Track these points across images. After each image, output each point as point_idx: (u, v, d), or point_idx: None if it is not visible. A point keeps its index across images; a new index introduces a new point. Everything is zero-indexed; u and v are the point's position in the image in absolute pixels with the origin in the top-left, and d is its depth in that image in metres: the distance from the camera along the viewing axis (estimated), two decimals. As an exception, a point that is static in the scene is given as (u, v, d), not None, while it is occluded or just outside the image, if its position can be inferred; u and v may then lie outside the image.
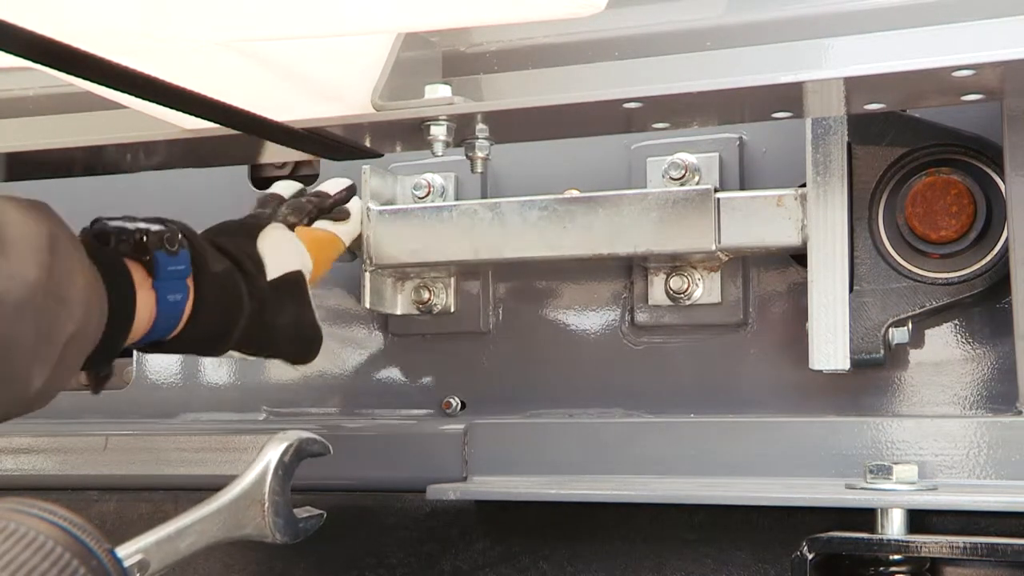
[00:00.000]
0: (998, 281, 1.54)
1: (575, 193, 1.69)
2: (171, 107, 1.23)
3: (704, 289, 1.70)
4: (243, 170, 2.00)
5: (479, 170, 1.40)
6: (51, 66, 1.09)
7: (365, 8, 1.13)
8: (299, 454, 1.34)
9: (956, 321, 1.62)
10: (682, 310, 1.72)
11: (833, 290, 1.53)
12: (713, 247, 1.61)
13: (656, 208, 1.63)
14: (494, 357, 1.85)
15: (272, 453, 1.31)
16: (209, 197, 2.02)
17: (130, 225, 1.35)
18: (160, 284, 1.34)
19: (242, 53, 1.20)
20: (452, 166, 1.80)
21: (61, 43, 1.03)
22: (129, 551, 1.17)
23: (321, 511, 1.38)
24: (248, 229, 1.53)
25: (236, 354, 1.50)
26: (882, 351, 1.56)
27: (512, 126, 1.38)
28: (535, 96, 1.31)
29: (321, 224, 1.69)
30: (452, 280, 1.83)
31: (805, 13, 1.25)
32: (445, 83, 1.31)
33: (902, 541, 1.45)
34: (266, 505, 1.29)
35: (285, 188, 1.74)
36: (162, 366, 2.03)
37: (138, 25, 1.11)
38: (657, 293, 1.72)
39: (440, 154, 1.34)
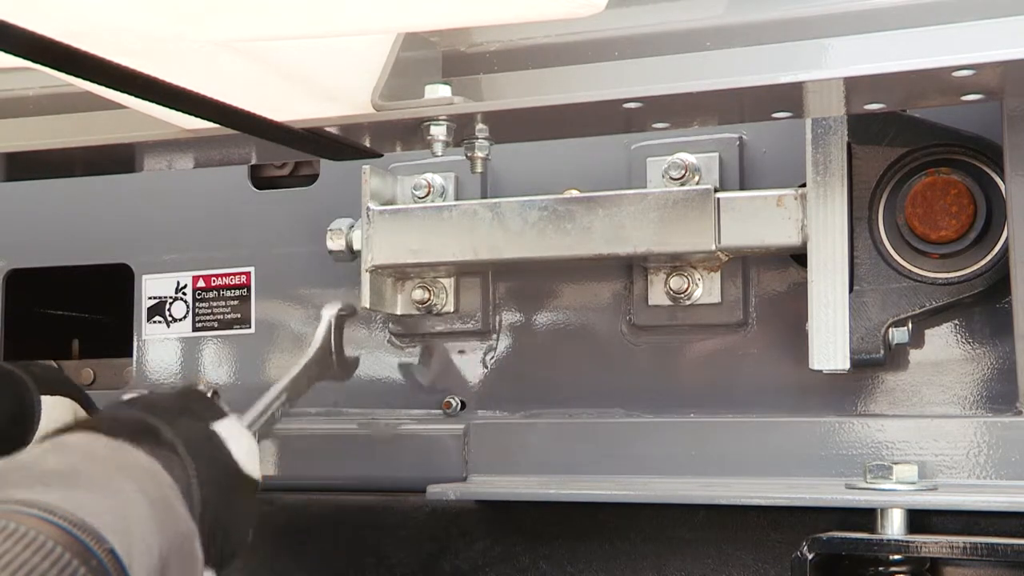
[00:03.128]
0: (998, 281, 1.54)
1: (575, 193, 1.69)
2: (171, 107, 1.23)
3: (704, 289, 1.70)
4: (243, 170, 2.00)
5: (479, 170, 1.40)
6: (51, 66, 1.09)
7: (365, 8, 1.13)
8: (349, 311, 1.67)
9: (956, 321, 1.62)
10: (682, 310, 1.72)
11: (833, 290, 1.53)
12: (713, 247, 1.61)
13: (656, 208, 1.63)
14: (494, 357, 1.85)
15: (328, 314, 1.65)
16: (209, 197, 2.03)
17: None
18: None
19: (242, 53, 1.20)
20: (452, 166, 1.80)
21: (61, 43, 1.03)
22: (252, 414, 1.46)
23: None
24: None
25: None
26: (882, 351, 1.56)
27: (512, 126, 1.38)
28: (535, 96, 1.30)
29: None
30: (452, 280, 1.83)
31: (805, 13, 1.25)
32: (445, 83, 1.31)
33: (902, 541, 1.45)
34: (334, 360, 1.63)
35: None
36: (162, 366, 2.04)
37: (138, 25, 1.11)
38: (657, 293, 1.72)
39: (440, 154, 1.34)
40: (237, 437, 1.29)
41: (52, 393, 1.47)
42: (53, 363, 1.49)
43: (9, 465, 1.04)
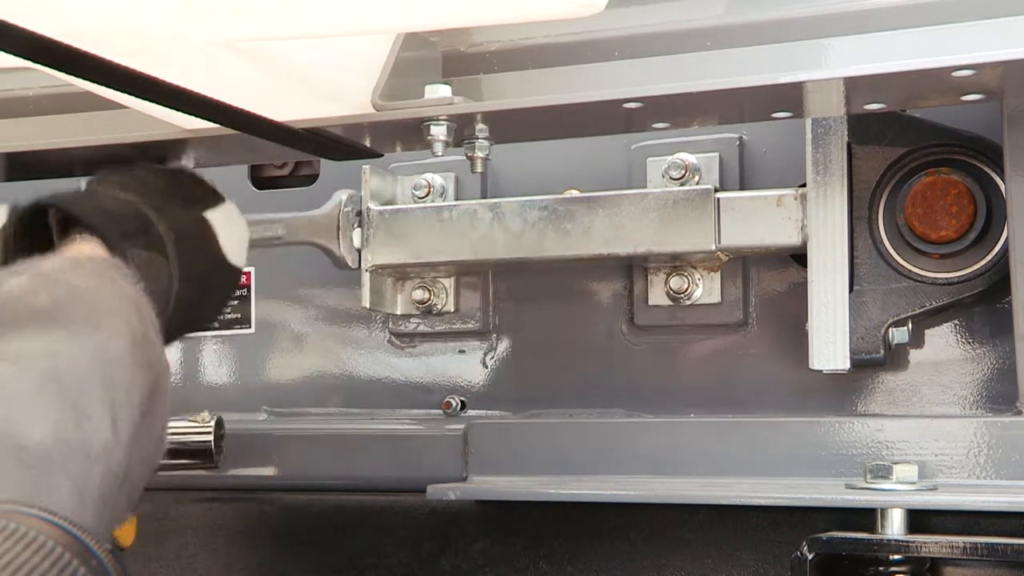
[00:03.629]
0: (998, 281, 1.54)
1: (575, 193, 1.69)
2: (171, 107, 1.23)
3: (704, 289, 1.70)
4: (243, 170, 2.00)
5: (479, 170, 1.40)
6: (51, 66, 1.09)
7: (365, 8, 1.13)
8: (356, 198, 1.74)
9: (956, 321, 1.62)
10: (682, 310, 1.72)
11: (833, 290, 1.53)
12: (713, 247, 1.61)
13: (656, 208, 1.63)
14: (494, 357, 1.85)
15: (341, 195, 1.74)
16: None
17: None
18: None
19: (242, 53, 1.20)
20: (452, 166, 1.80)
21: (61, 43, 1.03)
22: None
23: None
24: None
25: None
26: (882, 351, 1.56)
27: (512, 126, 1.38)
28: (535, 96, 1.30)
29: None
30: (452, 280, 1.83)
31: (805, 13, 1.25)
32: (445, 83, 1.31)
33: (902, 541, 1.45)
34: (339, 226, 1.72)
35: None
36: (162, 366, 2.03)
37: (138, 25, 1.11)
38: (657, 293, 1.72)
39: (440, 154, 1.34)
40: (229, 225, 1.30)
41: None
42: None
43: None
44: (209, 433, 1.66)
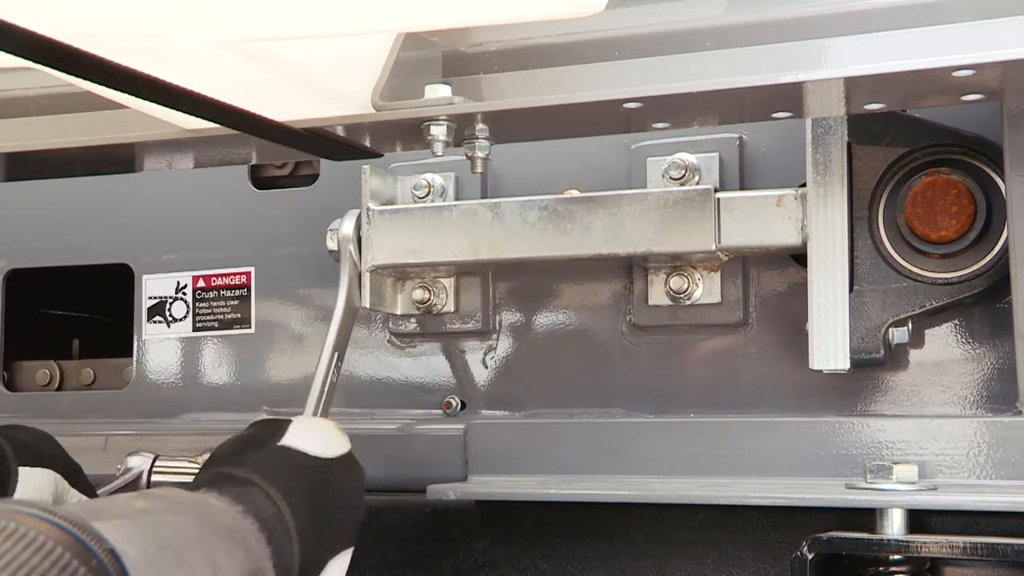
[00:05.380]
0: (998, 281, 1.54)
1: (575, 193, 1.69)
2: (171, 107, 1.23)
3: (704, 289, 1.70)
4: (243, 170, 2.00)
5: (479, 170, 1.40)
6: (51, 66, 1.09)
7: (365, 8, 1.13)
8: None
9: (956, 321, 1.62)
10: (682, 310, 1.72)
11: (833, 290, 1.53)
12: (713, 247, 1.61)
13: (656, 208, 1.63)
14: (494, 357, 1.85)
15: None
16: (209, 197, 2.03)
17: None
18: None
19: (242, 53, 1.20)
20: (452, 166, 1.80)
21: (61, 43, 1.03)
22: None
23: None
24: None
25: None
26: (882, 351, 1.56)
27: (512, 126, 1.38)
28: (535, 96, 1.30)
29: None
30: (452, 280, 1.83)
31: (805, 13, 1.25)
32: (445, 83, 1.30)
33: (902, 541, 1.45)
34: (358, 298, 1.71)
35: None
36: (162, 366, 2.04)
37: (138, 25, 1.11)
38: (657, 293, 1.72)
39: (440, 154, 1.34)
40: (308, 434, 1.29)
41: (34, 464, 1.40)
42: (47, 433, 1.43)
43: (100, 503, 1.04)
44: None
